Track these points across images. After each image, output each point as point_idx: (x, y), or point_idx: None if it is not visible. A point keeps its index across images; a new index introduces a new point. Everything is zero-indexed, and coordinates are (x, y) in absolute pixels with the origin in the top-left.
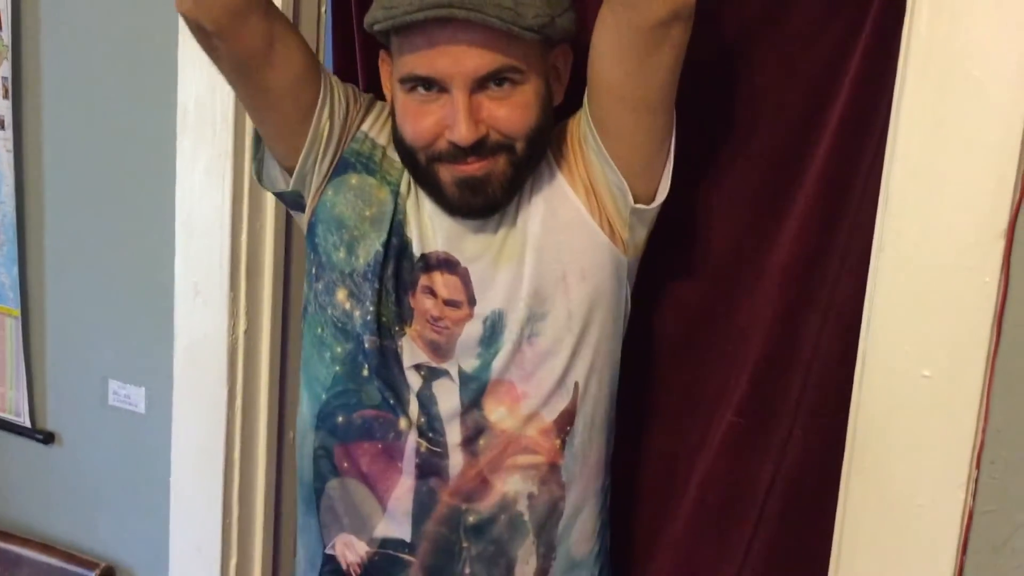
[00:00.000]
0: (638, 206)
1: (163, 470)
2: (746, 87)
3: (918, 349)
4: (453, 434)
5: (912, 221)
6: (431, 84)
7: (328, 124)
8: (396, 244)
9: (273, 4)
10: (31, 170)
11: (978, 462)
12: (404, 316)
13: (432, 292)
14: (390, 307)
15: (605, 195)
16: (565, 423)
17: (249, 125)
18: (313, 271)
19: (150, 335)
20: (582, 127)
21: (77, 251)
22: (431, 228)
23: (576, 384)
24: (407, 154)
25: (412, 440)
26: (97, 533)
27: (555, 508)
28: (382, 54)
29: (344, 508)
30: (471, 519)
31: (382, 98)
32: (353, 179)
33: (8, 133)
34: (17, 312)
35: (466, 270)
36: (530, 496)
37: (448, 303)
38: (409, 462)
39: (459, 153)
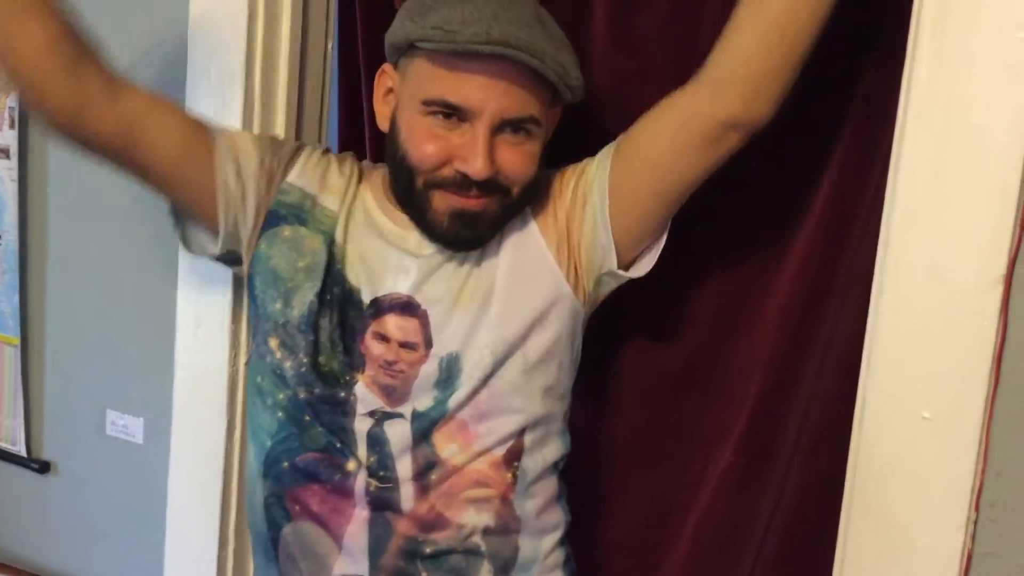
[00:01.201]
0: (617, 271)
1: (160, 502)
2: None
3: (918, 391)
4: (404, 469)
5: (912, 265)
6: (454, 113)
7: (239, 183)
8: (338, 293)
9: (125, 86)
10: (35, 200)
11: (977, 504)
12: (355, 364)
13: (383, 337)
14: (337, 357)
15: (585, 251)
16: (513, 458)
17: None
18: (254, 321)
19: (150, 365)
20: (586, 184)
21: (79, 281)
22: (383, 271)
23: (527, 425)
24: (404, 174)
25: (361, 479)
26: (92, 564)
27: (510, 541)
28: (386, 68)
29: (300, 552)
30: (428, 550)
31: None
32: (286, 231)
33: (13, 163)
34: (17, 340)
35: (426, 312)
36: (486, 529)
37: (403, 345)
38: (361, 497)
39: (464, 185)
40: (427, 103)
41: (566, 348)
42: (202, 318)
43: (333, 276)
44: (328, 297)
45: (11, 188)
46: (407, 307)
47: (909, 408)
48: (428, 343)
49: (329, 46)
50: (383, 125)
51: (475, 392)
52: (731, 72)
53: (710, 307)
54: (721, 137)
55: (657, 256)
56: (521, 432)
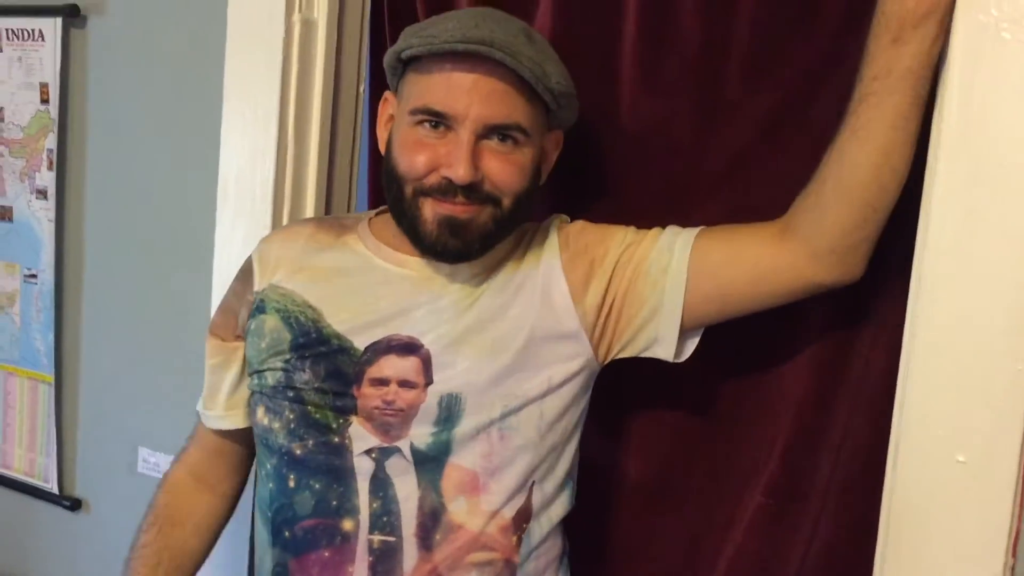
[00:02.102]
0: (663, 358)
1: None
2: (772, 171)
3: (952, 434)
4: (409, 520)
5: (944, 306)
6: (440, 121)
7: (232, 346)
8: (323, 350)
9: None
10: (71, 240)
11: (1014, 550)
12: (348, 408)
13: (381, 381)
14: (328, 404)
15: (634, 330)
16: (522, 520)
17: (288, 198)
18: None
19: (181, 403)
20: (647, 267)
21: (113, 320)
22: (381, 316)
23: (536, 483)
24: (395, 185)
25: (363, 539)
26: None
27: None
28: (387, 95)
29: None
30: None
31: None
32: (251, 325)
33: (51, 203)
34: (51, 378)
35: (428, 352)
36: None
37: (402, 384)
38: (361, 564)
39: (450, 190)
40: (414, 112)
41: (578, 405)
42: None
43: (309, 340)
44: (306, 355)
45: (48, 228)
46: (408, 347)
47: (943, 451)
48: (428, 381)
49: (361, 88)
50: (382, 148)
51: (484, 435)
52: (831, 245)
53: (739, 345)
54: (809, 290)
55: (695, 344)
56: (530, 491)
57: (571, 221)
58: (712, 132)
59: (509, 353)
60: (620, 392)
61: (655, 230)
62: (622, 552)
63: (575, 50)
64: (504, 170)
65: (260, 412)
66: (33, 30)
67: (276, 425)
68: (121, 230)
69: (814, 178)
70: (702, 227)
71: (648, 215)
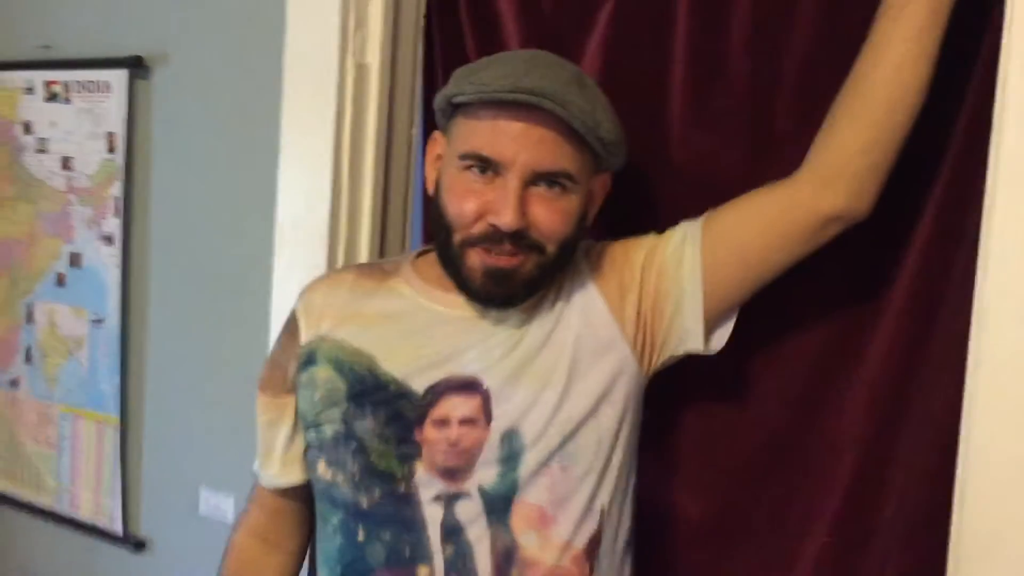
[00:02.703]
0: (695, 350)
1: None
2: None
3: (1019, 471)
4: (483, 561)
5: (1008, 337)
6: (488, 167)
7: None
8: (382, 396)
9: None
10: (136, 284)
11: None
12: (412, 453)
13: (443, 422)
14: (391, 452)
15: (665, 330)
16: (594, 548)
17: (343, 241)
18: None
19: (242, 445)
20: (668, 262)
21: (176, 363)
22: (440, 357)
23: (602, 508)
24: (443, 231)
25: None
26: None
27: None
28: (436, 135)
29: None
30: None
31: None
32: (302, 379)
33: (116, 249)
34: (117, 420)
35: (488, 390)
36: None
37: (464, 423)
38: None
39: (496, 238)
40: (463, 157)
41: (633, 420)
42: None
43: (366, 387)
44: (365, 403)
45: (114, 274)
46: (469, 386)
47: (1012, 487)
48: (488, 418)
49: (414, 132)
50: (430, 189)
51: (548, 472)
52: (836, 169)
53: (798, 379)
54: (821, 230)
55: (729, 333)
56: (600, 518)
57: (594, 242)
58: (762, 167)
59: (559, 378)
60: (679, 430)
61: (672, 229)
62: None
63: (624, 86)
64: (550, 218)
65: (321, 467)
66: (100, 82)
67: (340, 478)
68: (184, 274)
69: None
70: (704, 217)
71: None
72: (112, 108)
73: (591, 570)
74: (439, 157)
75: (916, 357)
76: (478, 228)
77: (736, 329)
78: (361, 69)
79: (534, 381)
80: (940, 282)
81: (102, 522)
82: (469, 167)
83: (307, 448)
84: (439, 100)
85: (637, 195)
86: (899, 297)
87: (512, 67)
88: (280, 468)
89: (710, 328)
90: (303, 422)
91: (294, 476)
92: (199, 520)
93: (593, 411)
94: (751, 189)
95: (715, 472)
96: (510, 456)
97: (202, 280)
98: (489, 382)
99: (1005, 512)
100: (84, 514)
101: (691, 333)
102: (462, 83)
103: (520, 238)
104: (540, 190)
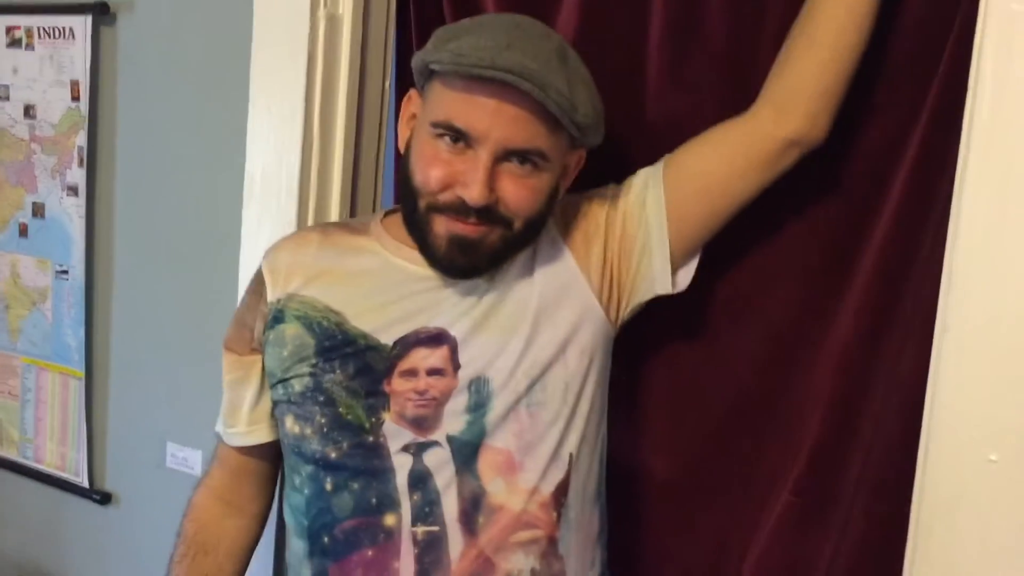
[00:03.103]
0: (664, 292)
1: None
2: (806, 163)
3: (984, 433)
4: (450, 507)
5: (976, 302)
6: (460, 138)
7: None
8: (351, 351)
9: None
10: (101, 236)
11: None
12: (379, 405)
13: (412, 373)
14: (359, 403)
15: (634, 277)
16: (561, 495)
17: (313, 194)
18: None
19: (208, 399)
20: (632, 208)
21: (142, 315)
22: (408, 312)
23: (570, 455)
24: (409, 195)
25: (406, 532)
26: None
27: None
28: (412, 93)
29: None
30: None
31: None
32: (270, 336)
33: (81, 200)
34: (82, 373)
35: (455, 338)
36: (532, 572)
37: (431, 372)
38: (407, 558)
39: (463, 210)
40: (435, 125)
41: (602, 371)
42: None
43: (335, 342)
44: (334, 356)
45: (79, 225)
46: (437, 338)
47: (975, 450)
48: (456, 366)
49: (387, 84)
50: (401, 147)
51: (516, 418)
52: (793, 92)
53: (767, 343)
54: (782, 155)
55: (693, 272)
56: (568, 465)
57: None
58: None
59: (525, 326)
60: (649, 391)
61: (632, 176)
62: (650, 549)
63: (600, 44)
64: (519, 194)
65: (289, 421)
66: (64, 28)
67: (308, 431)
68: (150, 226)
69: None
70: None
71: None
72: (76, 55)
73: (558, 517)
74: (413, 116)
75: (884, 321)
76: (445, 197)
77: (708, 290)
78: (333, 20)
79: (501, 329)
80: (910, 246)
81: (67, 475)
82: (441, 135)
83: (275, 405)
84: (417, 61)
85: (611, 154)
86: (869, 261)
87: (493, 38)
88: (247, 426)
89: (676, 268)
90: (270, 379)
91: (261, 434)
92: (166, 473)
93: (559, 355)
94: None
95: (683, 431)
96: (478, 404)
97: (169, 232)
98: (456, 332)
99: (966, 475)
100: (49, 466)
101: (659, 276)
102: (440, 49)
103: (486, 212)
104: (511, 166)
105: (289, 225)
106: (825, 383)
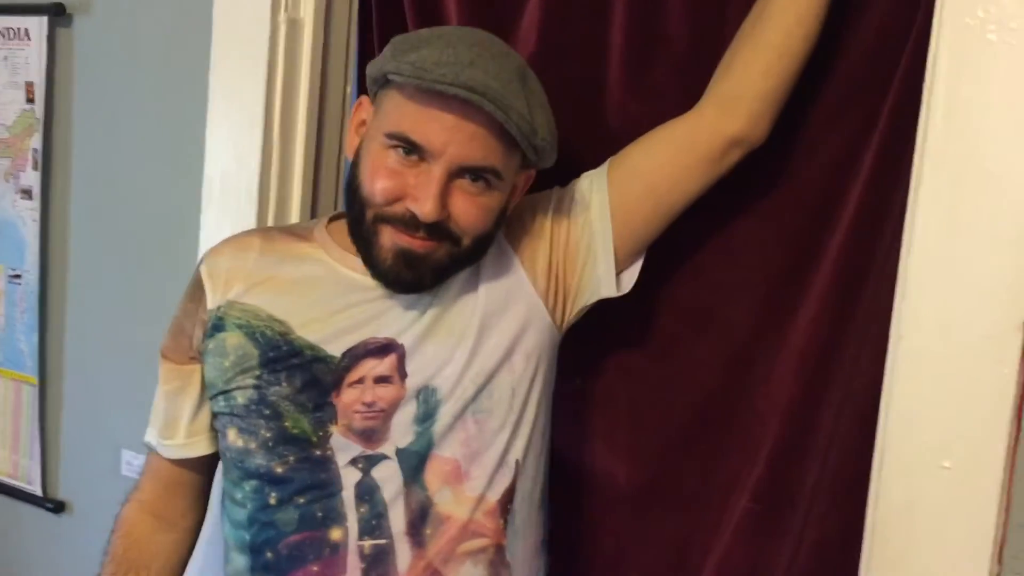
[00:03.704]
0: (608, 295)
1: None
2: (764, 172)
3: (937, 440)
4: (398, 519)
5: (930, 311)
6: (414, 150)
7: (188, 369)
8: (296, 362)
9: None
10: (56, 240)
11: (1000, 557)
12: (326, 418)
13: (359, 382)
14: (306, 416)
15: (579, 279)
16: (507, 502)
17: (273, 198)
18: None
19: None
20: (577, 210)
21: (97, 321)
22: (355, 322)
23: (516, 461)
24: (357, 204)
25: (353, 546)
26: None
27: None
28: (363, 99)
29: None
30: None
31: None
32: (209, 345)
33: (36, 203)
34: (35, 380)
35: (403, 347)
36: None
37: (378, 380)
38: (353, 572)
39: (412, 224)
40: (390, 136)
41: (547, 376)
42: None
43: (281, 354)
44: (279, 368)
45: (33, 228)
46: (385, 349)
47: (928, 457)
48: (402, 375)
49: (348, 89)
50: (349, 154)
51: (463, 426)
52: (738, 92)
53: (725, 350)
54: (725, 153)
55: (637, 274)
56: (514, 471)
57: None
58: None
59: (471, 332)
60: (609, 399)
61: (576, 180)
62: (608, 558)
63: (562, 51)
64: (471, 212)
65: (232, 434)
66: (19, 28)
67: (253, 445)
68: (106, 231)
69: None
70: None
71: None
72: (31, 57)
73: (505, 524)
74: (363, 123)
75: (841, 329)
76: (394, 209)
77: (669, 298)
78: (293, 24)
79: (447, 337)
80: (866, 257)
81: (20, 483)
82: (394, 146)
83: (215, 416)
84: (373, 69)
85: (573, 161)
86: (826, 271)
87: (455, 54)
88: (185, 438)
89: (620, 270)
90: (210, 390)
91: (200, 447)
92: (121, 481)
93: (505, 360)
94: None
95: (642, 437)
96: (426, 414)
97: (125, 237)
98: (404, 341)
99: (920, 481)
100: (1, 475)
101: (604, 278)
102: (400, 59)
103: (436, 227)
104: (464, 183)
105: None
106: (783, 390)
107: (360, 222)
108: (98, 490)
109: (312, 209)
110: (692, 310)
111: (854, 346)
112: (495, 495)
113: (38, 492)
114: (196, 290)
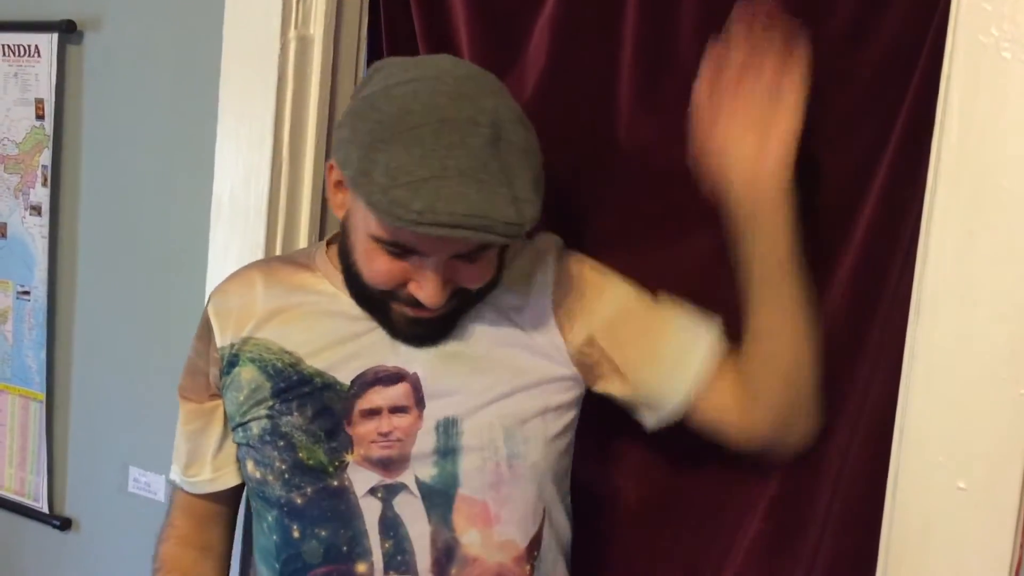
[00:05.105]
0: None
1: None
2: None
3: (953, 461)
4: (423, 557)
5: (945, 331)
6: (404, 251)
7: (209, 407)
8: (307, 391)
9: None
10: (64, 257)
11: None
12: (341, 447)
13: (372, 412)
14: (320, 447)
15: (629, 387)
16: (535, 548)
17: (281, 217)
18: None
19: (172, 423)
20: (675, 358)
21: (105, 338)
22: (360, 350)
23: (545, 509)
24: (358, 282)
25: None
26: None
27: None
28: (333, 164)
29: None
30: None
31: None
32: (226, 381)
33: (44, 219)
34: (42, 396)
35: (416, 376)
36: None
37: (394, 411)
38: None
39: (419, 304)
40: (375, 239)
41: (574, 427)
42: None
43: (291, 383)
44: (290, 397)
45: (41, 245)
46: (395, 377)
47: (943, 478)
48: (420, 404)
49: None
50: (338, 213)
51: (490, 467)
52: (764, 412)
53: None
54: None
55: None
56: (542, 518)
57: (566, 249)
58: None
59: (503, 371)
60: (620, 418)
61: (663, 302)
62: (619, 574)
63: (572, 69)
64: (474, 276)
65: (251, 466)
66: (29, 46)
67: (270, 477)
68: (114, 247)
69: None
70: (718, 339)
71: (645, 236)
72: (41, 73)
73: (532, 571)
74: (340, 183)
75: (854, 350)
76: (400, 293)
77: None
78: (303, 40)
79: (473, 369)
80: (879, 276)
81: (27, 500)
82: (382, 245)
83: (237, 447)
84: (344, 162)
85: (584, 178)
86: (839, 291)
87: (424, 162)
88: (212, 472)
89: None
90: (231, 423)
91: (228, 479)
92: (128, 498)
93: (540, 413)
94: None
95: (654, 458)
96: (447, 448)
97: (134, 254)
98: (417, 369)
99: (935, 503)
100: (8, 491)
101: (653, 414)
102: (370, 179)
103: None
104: (461, 260)
105: (257, 248)
106: None
107: (367, 297)
108: (105, 507)
109: (320, 228)
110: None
111: (868, 365)
112: (523, 541)
113: (44, 509)
114: (205, 331)
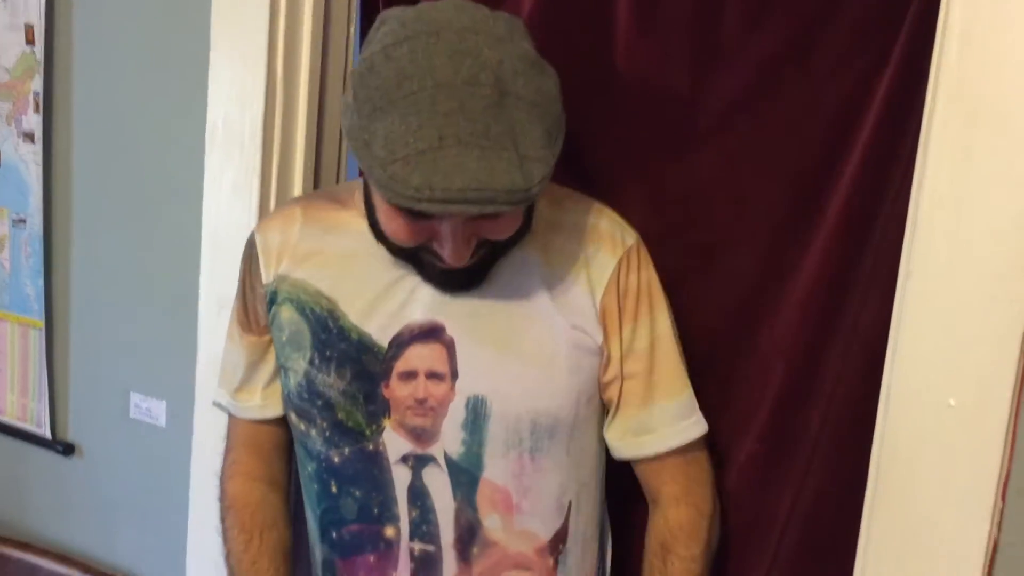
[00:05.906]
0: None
1: (182, 484)
2: (771, 116)
3: (944, 378)
4: (447, 531)
5: (939, 250)
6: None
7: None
8: (345, 348)
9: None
10: (59, 184)
11: (1004, 493)
12: (379, 411)
13: (410, 374)
14: (359, 409)
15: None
16: (559, 542)
17: (277, 143)
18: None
19: (173, 349)
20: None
21: (102, 264)
22: (398, 304)
23: (570, 503)
24: (385, 238)
25: (404, 546)
26: (115, 545)
27: None
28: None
29: None
30: None
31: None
32: (271, 317)
33: (38, 147)
34: (41, 323)
35: (452, 340)
36: None
37: (430, 376)
38: (404, 571)
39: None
40: (392, 205)
41: (602, 417)
42: (224, 302)
43: (330, 337)
44: (328, 354)
45: (36, 172)
46: (431, 332)
47: (934, 395)
48: (454, 374)
49: (352, 30)
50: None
51: (515, 454)
52: None
53: (731, 295)
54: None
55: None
56: (567, 513)
57: (634, 240)
58: (709, 75)
59: (535, 358)
60: None
61: (680, 355)
62: (616, 494)
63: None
64: (498, 229)
65: (293, 417)
66: None
67: (313, 432)
68: (109, 173)
69: None
70: (698, 443)
71: (644, 159)
72: None
73: (555, 563)
74: None
75: (848, 270)
76: (427, 250)
77: (676, 242)
78: None
79: (500, 344)
80: (876, 195)
81: (29, 426)
82: (398, 209)
83: (283, 395)
84: (349, 131)
85: (582, 102)
86: (834, 211)
87: (419, 129)
88: (262, 400)
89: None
90: (277, 360)
91: (278, 408)
92: (130, 424)
93: (573, 409)
94: (697, 97)
95: None
96: (476, 425)
97: (129, 180)
98: (449, 328)
99: (926, 419)
100: (10, 417)
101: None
102: (372, 149)
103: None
104: (483, 216)
105: (252, 173)
106: (787, 335)
107: (397, 248)
108: (107, 433)
109: (316, 153)
110: (699, 254)
111: (862, 287)
112: (546, 534)
113: (48, 435)
114: (252, 265)
